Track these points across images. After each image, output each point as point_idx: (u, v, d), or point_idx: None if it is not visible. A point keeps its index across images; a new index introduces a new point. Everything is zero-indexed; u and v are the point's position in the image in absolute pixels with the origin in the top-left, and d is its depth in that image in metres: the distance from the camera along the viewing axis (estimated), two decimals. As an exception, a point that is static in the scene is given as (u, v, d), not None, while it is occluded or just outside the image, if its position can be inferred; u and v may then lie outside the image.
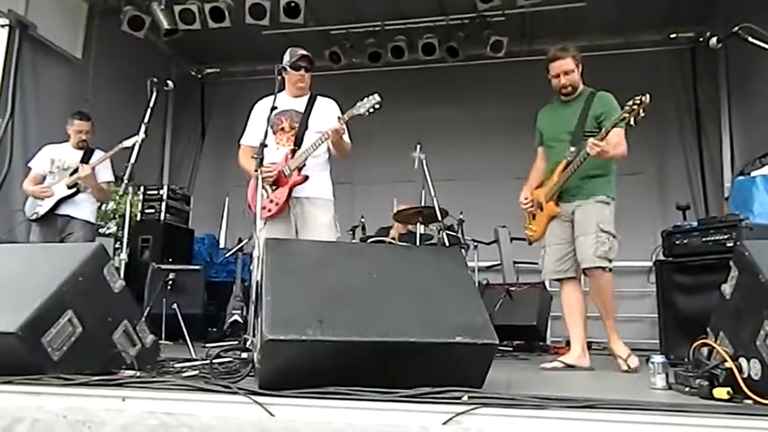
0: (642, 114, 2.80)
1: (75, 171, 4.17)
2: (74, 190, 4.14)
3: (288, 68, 3.18)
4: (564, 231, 3.22)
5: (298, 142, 3.23)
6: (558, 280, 3.32)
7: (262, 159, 2.95)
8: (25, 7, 4.75)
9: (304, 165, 3.19)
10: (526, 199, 3.37)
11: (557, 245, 3.25)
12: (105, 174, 4.28)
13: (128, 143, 3.93)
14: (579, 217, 3.14)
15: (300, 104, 3.32)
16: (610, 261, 3.07)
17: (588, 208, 3.12)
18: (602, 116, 3.12)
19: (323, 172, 3.32)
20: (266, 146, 3.04)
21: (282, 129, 3.29)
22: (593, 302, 3.21)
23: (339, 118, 3.13)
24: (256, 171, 2.94)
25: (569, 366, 3.14)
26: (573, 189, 3.17)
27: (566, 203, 3.22)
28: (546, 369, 3.18)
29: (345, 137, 3.23)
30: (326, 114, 3.27)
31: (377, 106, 3.11)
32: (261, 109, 3.36)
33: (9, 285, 2.03)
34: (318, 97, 3.37)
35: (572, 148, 3.12)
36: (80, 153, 4.26)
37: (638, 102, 2.80)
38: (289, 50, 3.34)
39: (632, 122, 2.84)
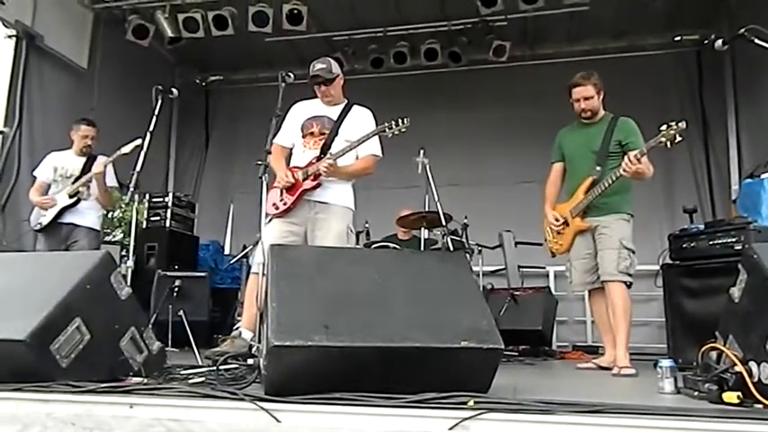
0: (678, 139, 2.95)
1: (78, 179, 4.20)
2: (75, 199, 4.16)
3: (292, 76, 3.20)
4: (588, 245, 3.37)
5: (325, 149, 3.23)
6: (588, 291, 3.53)
7: (266, 167, 2.96)
8: (32, 18, 4.80)
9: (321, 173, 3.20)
10: (557, 220, 3.46)
11: (583, 258, 3.40)
12: (108, 180, 4.30)
13: (126, 149, 3.95)
14: (603, 232, 3.28)
15: (335, 112, 3.34)
16: (630, 276, 3.22)
17: (612, 224, 3.27)
18: (626, 141, 3.28)
19: (346, 180, 3.31)
20: (269, 152, 3.05)
21: (312, 133, 3.31)
22: (609, 315, 3.28)
23: (330, 155, 3.14)
24: (260, 177, 2.94)
25: (603, 369, 3.28)
26: (598, 205, 3.31)
27: (590, 218, 3.35)
28: (581, 369, 3.48)
29: (347, 160, 3.21)
30: (358, 124, 3.28)
31: (396, 132, 3.16)
32: (295, 111, 3.39)
33: (17, 293, 2.04)
34: (354, 106, 3.38)
35: (598, 167, 3.29)
36: (82, 160, 4.29)
37: (675, 127, 2.94)
38: (311, 65, 3.35)
39: (668, 145, 2.98)
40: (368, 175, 3.38)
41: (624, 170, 3.08)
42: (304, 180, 3.19)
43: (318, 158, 3.21)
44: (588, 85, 3.36)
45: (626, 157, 3.10)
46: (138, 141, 3.81)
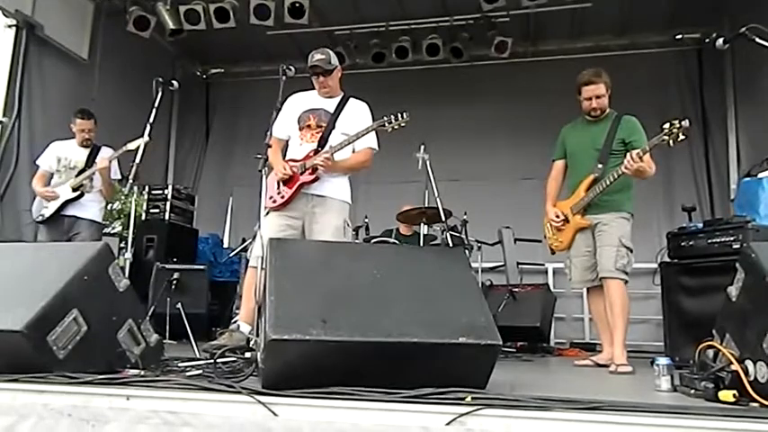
0: (682, 137, 2.94)
1: (82, 171, 4.19)
2: (78, 193, 4.16)
3: (293, 69, 3.18)
4: (588, 243, 3.37)
5: (322, 142, 3.22)
6: (586, 289, 3.53)
7: (266, 159, 2.95)
8: (32, 8, 4.78)
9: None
10: (557, 216, 3.45)
11: (583, 256, 3.40)
12: (112, 173, 4.30)
13: (132, 146, 3.95)
14: (603, 229, 3.28)
15: (331, 105, 3.32)
16: (626, 274, 3.22)
17: (612, 222, 3.27)
18: (629, 139, 3.28)
19: (343, 174, 3.30)
20: (270, 146, 3.04)
21: (309, 126, 3.29)
22: (607, 312, 3.28)
23: (329, 149, 3.13)
24: (260, 170, 2.94)
25: (601, 366, 3.28)
26: (599, 203, 3.31)
27: (590, 216, 3.35)
28: (578, 365, 3.44)
29: (344, 154, 3.20)
30: (355, 117, 3.27)
31: (395, 127, 3.16)
32: (291, 103, 3.34)
33: (15, 284, 2.04)
34: (351, 99, 3.36)
35: (599, 165, 3.28)
36: (86, 151, 4.28)
37: (678, 126, 2.93)
38: (309, 55, 3.33)
39: (670, 144, 2.98)
40: (365, 169, 3.38)
41: (626, 168, 3.08)
42: (301, 173, 3.19)
43: (316, 151, 3.20)
44: (600, 83, 3.34)
45: (628, 155, 3.09)
46: (145, 139, 3.81)
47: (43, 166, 4.28)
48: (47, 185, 4.23)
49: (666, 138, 2.96)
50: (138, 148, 3.83)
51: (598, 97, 3.34)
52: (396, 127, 3.15)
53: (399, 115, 3.15)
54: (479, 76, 6.36)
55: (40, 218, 4.15)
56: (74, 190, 4.15)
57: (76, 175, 4.19)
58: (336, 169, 3.20)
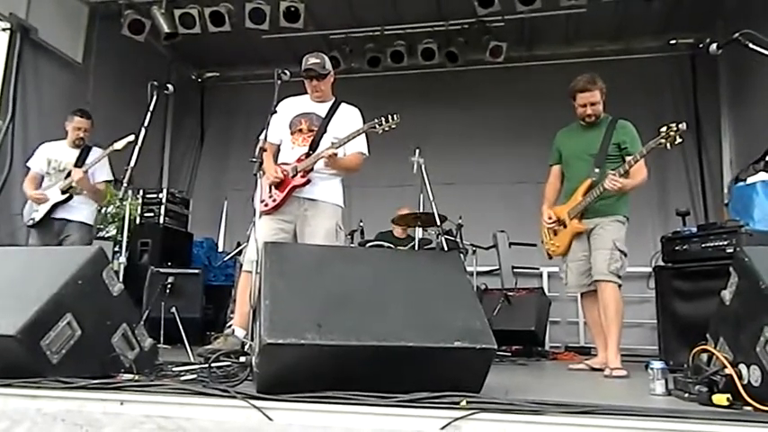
0: (679, 140, 2.97)
1: (70, 174, 4.16)
2: (67, 195, 4.12)
3: (288, 73, 3.19)
4: (584, 247, 3.38)
5: (313, 146, 3.24)
6: (580, 294, 3.54)
7: (261, 163, 2.95)
8: (26, 11, 4.78)
9: (312, 168, 3.20)
10: (550, 218, 3.48)
11: (578, 260, 3.40)
12: (101, 174, 4.24)
13: (118, 146, 3.92)
14: (598, 233, 3.30)
15: (323, 109, 3.33)
16: (619, 278, 3.23)
17: (607, 226, 3.29)
18: (624, 144, 3.30)
19: (335, 177, 3.31)
20: (265, 150, 3.04)
21: (300, 130, 3.30)
22: (601, 316, 3.29)
23: (332, 144, 3.15)
24: (255, 174, 2.94)
25: (595, 370, 3.29)
26: (595, 207, 3.32)
27: (587, 220, 3.36)
28: (572, 369, 3.46)
29: (344, 152, 3.21)
30: (346, 122, 3.28)
31: (386, 128, 3.17)
32: (283, 108, 3.33)
33: (9, 288, 2.02)
34: (342, 104, 3.38)
35: (596, 170, 3.30)
36: (76, 152, 4.23)
37: (675, 128, 2.95)
38: (303, 58, 3.34)
39: (668, 146, 3.01)
40: (355, 173, 3.39)
41: (607, 187, 3.13)
42: (293, 176, 3.19)
43: (307, 155, 3.22)
44: (595, 90, 3.34)
45: (608, 176, 3.14)
46: (131, 138, 3.79)
47: (34, 168, 4.25)
48: (38, 188, 4.20)
49: (664, 141, 2.99)
50: (126, 148, 3.80)
51: (593, 104, 3.35)
52: (386, 128, 3.16)
53: (390, 117, 3.16)
54: (474, 80, 6.38)
55: (31, 221, 4.11)
56: (63, 192, 4.12)
57: (66, 177, 4.16)
58: (336, 166, 3.20)
